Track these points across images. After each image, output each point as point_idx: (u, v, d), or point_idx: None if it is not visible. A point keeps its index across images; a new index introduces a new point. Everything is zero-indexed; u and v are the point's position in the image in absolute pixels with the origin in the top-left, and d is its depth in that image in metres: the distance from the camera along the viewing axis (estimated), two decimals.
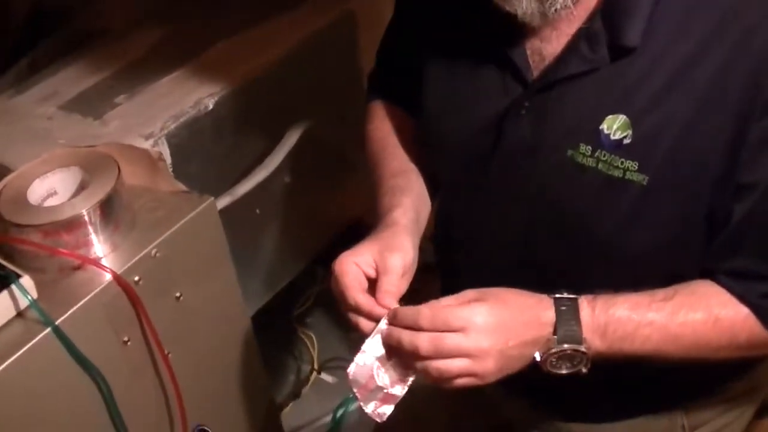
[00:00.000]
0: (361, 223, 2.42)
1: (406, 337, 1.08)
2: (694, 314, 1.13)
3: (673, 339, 1.13)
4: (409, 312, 1.10)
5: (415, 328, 1.09)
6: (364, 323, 1.16)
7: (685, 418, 1.39)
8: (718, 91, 1.06)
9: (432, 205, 1.41)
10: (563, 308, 1.11)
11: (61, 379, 1.23)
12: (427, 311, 1.08)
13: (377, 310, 1.14)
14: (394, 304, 1.14)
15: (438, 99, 1.30)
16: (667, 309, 1.13)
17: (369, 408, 1.13)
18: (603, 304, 1.12)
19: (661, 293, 1.14)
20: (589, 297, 1.12)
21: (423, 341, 1.07)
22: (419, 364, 1.09)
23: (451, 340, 1.07)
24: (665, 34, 1.08)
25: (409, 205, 1.31)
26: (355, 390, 1.13)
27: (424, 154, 1.41)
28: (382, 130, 1.47)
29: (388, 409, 1.13)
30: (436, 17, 1.29)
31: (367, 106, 1.52)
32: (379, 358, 1.13)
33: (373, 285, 1.17)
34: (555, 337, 1.10)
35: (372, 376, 1.12)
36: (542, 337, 1.11)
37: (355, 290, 1.16)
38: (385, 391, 1.13)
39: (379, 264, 1.18)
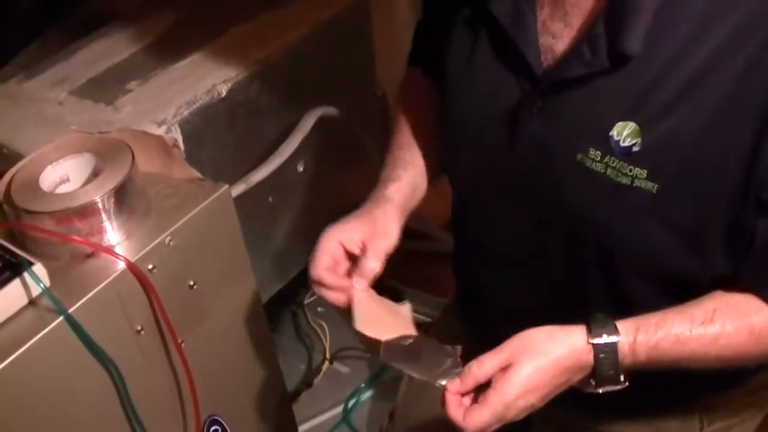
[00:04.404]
0: None
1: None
2: (737, 335, 1.12)
3: (715, 359, 1.13)
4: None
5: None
6: (328, 294, 1.26)
7: (703, 412, 1.38)
8: (734, 103, 1.03)
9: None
10: (602, 356, 1.10)
11: (74, 367, 1.22)
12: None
13: (342, 284, 1.24)
14: (363, 285, 1.24)
15: (458, 89, 1.29)
16: (709, 335, 1.11)
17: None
18: (644, 342, 1.11)
19: (700, 314, 1.12)
20: (630, 336, 1.11)
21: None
22: None
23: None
24: (678, 42, 1.05)
25: (406, 180, 1.38)
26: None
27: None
28: (406, 99, 1.51)
29: None
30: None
31: (406, 72, 1.56)
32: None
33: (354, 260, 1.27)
34: (593, 382, 1.11)
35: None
36: (580, 380, 1.12)
37: (320, 267, 1.25)
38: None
39: (366, 246, 1.26)
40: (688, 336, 1.11)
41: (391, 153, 1.44)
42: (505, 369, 1.10)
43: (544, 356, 1.10)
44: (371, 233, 1.28)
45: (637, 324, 1.12)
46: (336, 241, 1.27)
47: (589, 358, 1.10)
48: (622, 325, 1.11)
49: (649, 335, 1.11)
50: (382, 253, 1.27)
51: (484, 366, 1.11)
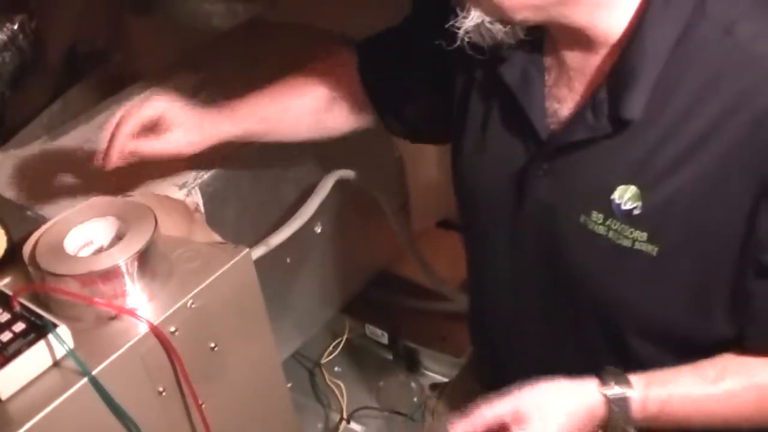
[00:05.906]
0: (390, 272, 2.42)
1: None
2: (746, 395, 1.14)
3: (723, 421, 1.15)
4: None
5: None
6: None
7: None
8: (731, 168, 1.06)
9: None
10: (616, 409, 1.12)
11: (97, 428, 1.23)
12: None
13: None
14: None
15: (474, 154, 1.31)
16: (719, 394, 1.14)
17: None
18: (656, 398, 1.13)
19: (711, 372, 1.14)
20: (642, 392, 1.13)
21: None
22: None
23: None
24: (679, 108, 1.07)
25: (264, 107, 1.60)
26: None
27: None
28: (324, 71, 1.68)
29: None
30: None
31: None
32: None
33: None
34: None
35: None
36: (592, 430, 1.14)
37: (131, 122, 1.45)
38: None
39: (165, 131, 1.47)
40: (699, 394, 1.13)
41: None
42: (519, 421, 1.12)
43: (558, 411, 1.11)
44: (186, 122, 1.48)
45: (650, 379, 1.14)
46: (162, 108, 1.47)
47: (602, 410, 1.11)
48: (634, 378, 1.13)
49: (661, 390, 1.13)
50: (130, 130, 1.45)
51: (494, 409, 1.13)
